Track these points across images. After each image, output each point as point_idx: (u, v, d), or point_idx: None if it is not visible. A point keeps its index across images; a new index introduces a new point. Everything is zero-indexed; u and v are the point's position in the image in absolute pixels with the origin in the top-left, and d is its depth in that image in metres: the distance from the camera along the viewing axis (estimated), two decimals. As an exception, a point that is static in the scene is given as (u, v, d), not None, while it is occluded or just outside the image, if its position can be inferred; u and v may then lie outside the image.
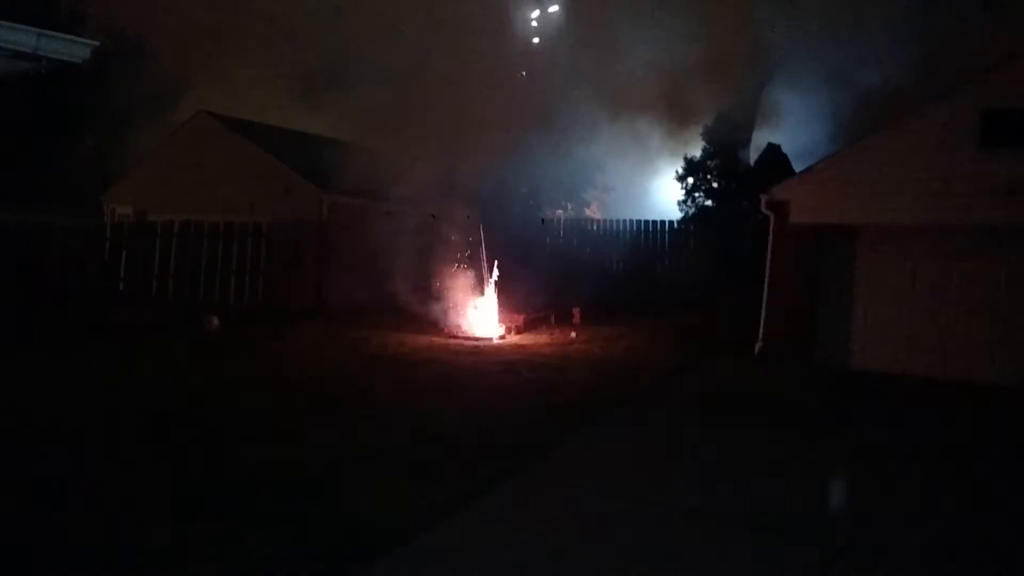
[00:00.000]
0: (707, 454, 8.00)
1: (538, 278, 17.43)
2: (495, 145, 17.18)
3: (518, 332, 15.89)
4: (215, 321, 14.54)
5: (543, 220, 22.65)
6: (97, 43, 4.58)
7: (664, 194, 23.21)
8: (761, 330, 13.74)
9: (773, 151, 20.11)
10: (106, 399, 9.10)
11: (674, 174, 21.87)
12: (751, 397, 10.90)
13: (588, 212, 25.20)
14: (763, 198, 13.90)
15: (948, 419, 9.92)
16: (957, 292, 12.27)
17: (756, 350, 13.63)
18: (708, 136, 21.24)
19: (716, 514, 6.24)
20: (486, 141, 16.85)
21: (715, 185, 21.13)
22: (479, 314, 15.73)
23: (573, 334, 15.63)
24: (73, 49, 4.18)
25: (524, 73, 19.06)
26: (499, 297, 16.01)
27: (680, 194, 21.61)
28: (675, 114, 23.71)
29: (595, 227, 22.84)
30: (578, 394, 10.45)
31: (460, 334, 15.24)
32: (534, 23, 22.67)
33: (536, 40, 21.51)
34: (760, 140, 21.46)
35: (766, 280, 13.81)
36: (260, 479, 6.52)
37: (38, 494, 6.00)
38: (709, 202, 21.15)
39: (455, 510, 5.98)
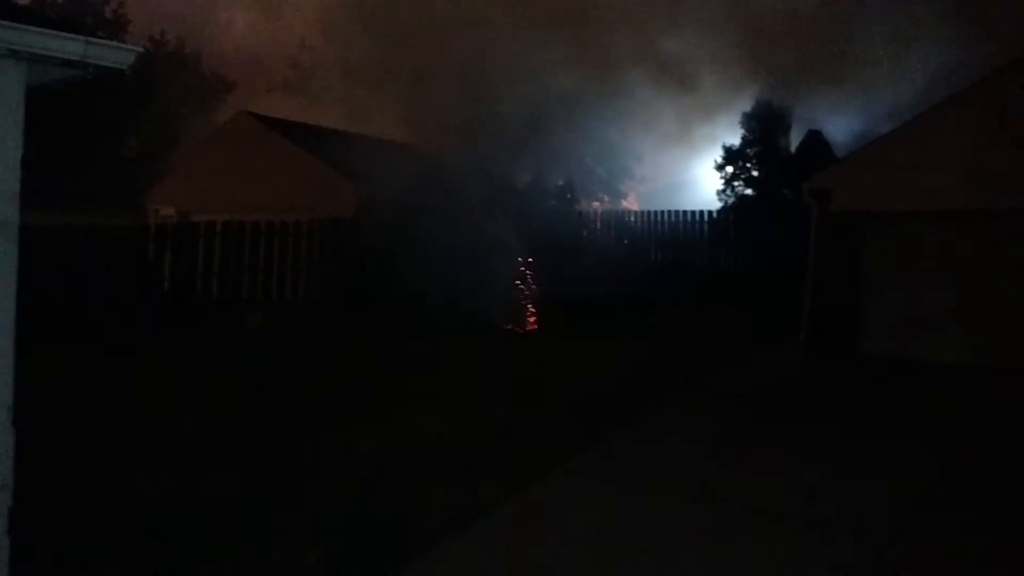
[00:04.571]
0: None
1: (576, 271, 17.37)
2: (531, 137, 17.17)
3: (558, 325, 15.85)
4: (259, 318, 14.76)
5: (580, 213, 22.56)
6: (142, 49, 4.64)
7: (703, 184, 22.99)
8: (805, 320, 13.57)
9: (814, 138, 19.75)
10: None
11: (712, 163, 21.62)
12: (800, 388, 10.77)
13: (625, 204, 25.08)
14: (804, 186, 13.72)
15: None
16: (1007, 279, 11.97)
17: (801, 339, 13.46)
18: (747, 124, 20.94)
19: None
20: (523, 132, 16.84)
21: (755, 174, 20.83)
22: (516, 308, 15.75)
23: (614, 325, 15.55)
24: (119, 55, 4.23)
25: None
26: (537, 290, 16.01)
27: (719, 183, 21.36)
28: (714, 102, 23.48)
29: (633, 219, 22.71)
30: (635, 382, 10.64)
31: (501, 327, 15.28)
32: None
33: None
34: (801, 127, 21.11)
35: (809, 269, 13.63)
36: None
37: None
38: (749, 191, 20.86)
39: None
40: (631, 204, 25.73)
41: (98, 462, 6.78)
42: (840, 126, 20.70)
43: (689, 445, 7.99)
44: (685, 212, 21.66)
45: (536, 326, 15.75)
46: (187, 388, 9.79)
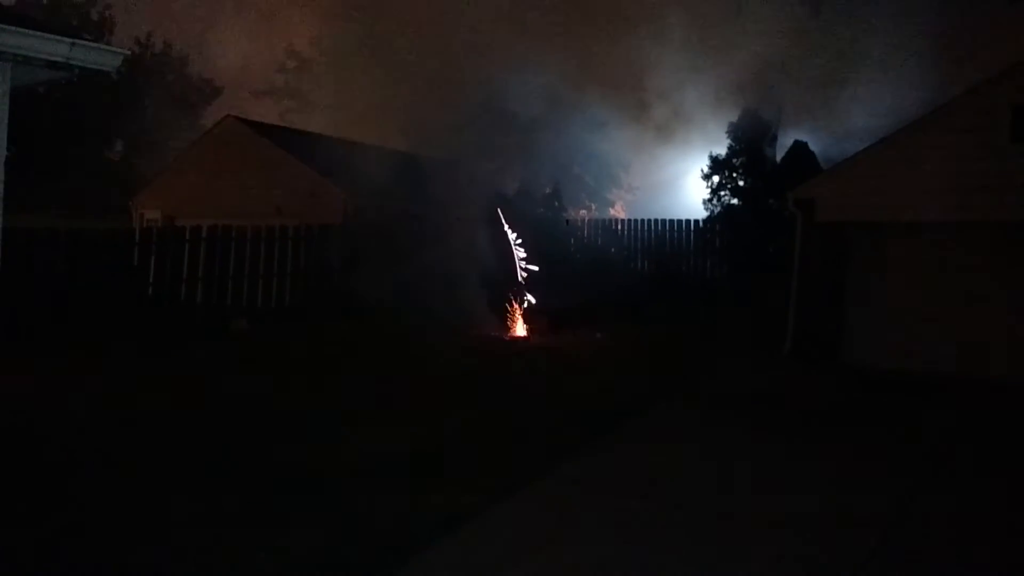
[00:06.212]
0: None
1: (563, 278, 17.40)
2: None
3: (544, 332, 15.87)
4: (244, 324, 14.69)
5: (567, 221, 22.60)
6: (128, 52, 4.65)
7: (689, 193, 23.07)
8: (790, 329, 13.64)
9: (800, 148, 19.84)
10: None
11: (699, 172, 21.70)
12: (782, 396, 10.81)
13: (612, 212, 25.16)
14: (789, 196, 13.81)
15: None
16: (989, 290, 12.08)
17: (785, 349, 13.53)
18: (733, 133, 21.03)
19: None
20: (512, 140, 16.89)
21: (741, 183, 20.90)
22: (505, 314, 15.78)
23: (599, 334, 15.58)
24: (104, 58, 4.23)
25: None
26: (524, 298, 16.03)
27: (705, 193, 21.43)
28: (700, 111, 23.58)
29: (620, 227, 22.73)
30: (617, 390, 10.65)
31: (488, 333, 15.29)
32: None
33: None
34: (787, 137, 21.22)
35: (794, 279, 13.71)
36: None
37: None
38: (735, 201, 20.93)
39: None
40: (618, 212, 25.81)
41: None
42: (825, 137, 20.83)
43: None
44: (671, 221, 21.72)
45: (524, 333, 15.76)
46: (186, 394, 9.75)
